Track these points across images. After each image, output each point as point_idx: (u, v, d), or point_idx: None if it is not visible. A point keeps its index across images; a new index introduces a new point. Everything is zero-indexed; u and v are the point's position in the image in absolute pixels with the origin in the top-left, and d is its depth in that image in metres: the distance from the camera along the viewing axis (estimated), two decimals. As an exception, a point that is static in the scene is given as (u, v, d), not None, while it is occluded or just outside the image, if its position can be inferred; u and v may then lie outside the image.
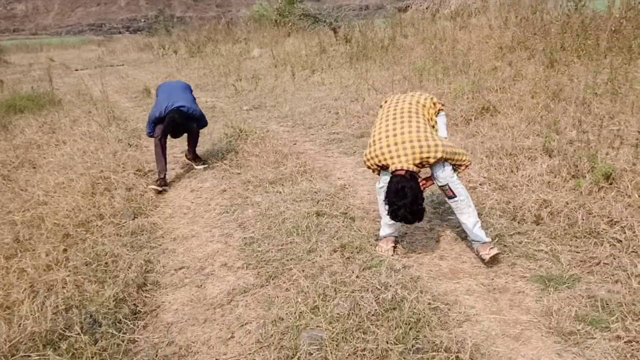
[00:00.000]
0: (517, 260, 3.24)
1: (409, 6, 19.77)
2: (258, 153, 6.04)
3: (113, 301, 3.20)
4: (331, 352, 2.47)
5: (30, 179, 5.57)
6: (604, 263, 3.04)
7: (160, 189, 5.30)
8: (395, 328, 2.63)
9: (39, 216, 4.57)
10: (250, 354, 2.67)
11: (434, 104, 3.46)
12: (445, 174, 3.14)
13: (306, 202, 4.48)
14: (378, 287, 3.02)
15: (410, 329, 2.63)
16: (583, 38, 8.08)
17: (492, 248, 3.21)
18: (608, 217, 3.42)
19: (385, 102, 3.59)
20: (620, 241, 3.18)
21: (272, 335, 2.76)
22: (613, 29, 8.24)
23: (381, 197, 3.31)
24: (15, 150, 6.65)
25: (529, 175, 4.21)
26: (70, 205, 4.71)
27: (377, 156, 3.18)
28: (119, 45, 29.97)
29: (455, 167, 3.21)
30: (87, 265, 3.69)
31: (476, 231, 3.24)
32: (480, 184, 4.34)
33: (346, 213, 4.18)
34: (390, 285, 3.03)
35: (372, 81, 8.98)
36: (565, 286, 2.90)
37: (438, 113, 3.47)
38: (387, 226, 3.52)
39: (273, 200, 4.60)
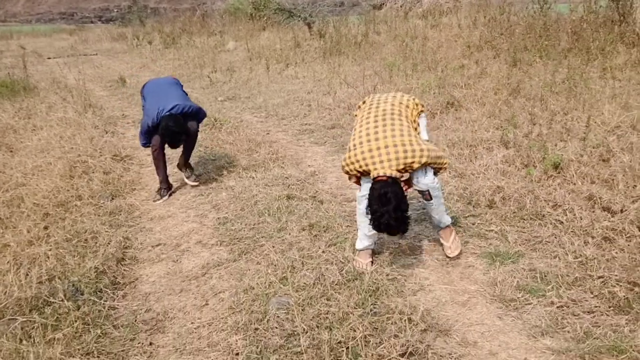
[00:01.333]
0: (469, 239, 3.55)
1: (383, 4, 20.14)
2: (232, 141, 6.25)
3: (94, 272, 3.41)
4: (297, 315, 2.73)
5: (8, 162, 5.68)
6: (546, 241, 3.36)
7: (162, 200, 4.89)
8: (356, 295, 2.91)
9: (19, 196, 4.72)
10: (223, 318, 2.92)
11: (417, 105, 3.29)
12: (427, 180, 3.04)
13: (277, 186, 4.73)
14: (342, 260, 3.30)
15: (369, 296, 2.91)
16: (545, 39, 8.48)
17: (454, 240, 3.31)
18: (553, 202, 3.75)
19: (364, 102, 3.40)
20: (562, 222, 3.51)
21: (243, 302, 3.01)
22: (573, 31, 8.68)
23: (362, 205, 3.10)
24: (-9, 134, 6.73)
25: (485, 165, 4.53)
26: (49, 187, 4.86)
27: (357, 161, 2.98)
28: (92, 35, 29.59)
29: (436, 171, 3.12)
30: (67, 241, 3.87)
31: (439, 218, 3.26)
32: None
33: (315, 196, 4.44)
34: (353, 259, 3.30)
35: (344, 75, 9.25)
36: (510, 261, 3.22)
37: (420, 114, 3.31)
38: (365, 238, 3.28)
39: (246, 185, 4.83)
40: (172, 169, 5.29)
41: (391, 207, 2.79)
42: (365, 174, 3.04)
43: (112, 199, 4.84)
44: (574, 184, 3.93)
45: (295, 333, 2.64)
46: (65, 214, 4.42)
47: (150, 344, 2.79)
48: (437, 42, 10.73)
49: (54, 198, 4.68)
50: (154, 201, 4.85)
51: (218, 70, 12.09)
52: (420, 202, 3.64)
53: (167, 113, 4.65)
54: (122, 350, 2.72)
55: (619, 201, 3.55)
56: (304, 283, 3.07)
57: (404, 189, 3.00)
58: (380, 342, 2.50)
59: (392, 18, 14.75)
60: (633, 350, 2.34)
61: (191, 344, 2.73)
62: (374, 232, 3.09)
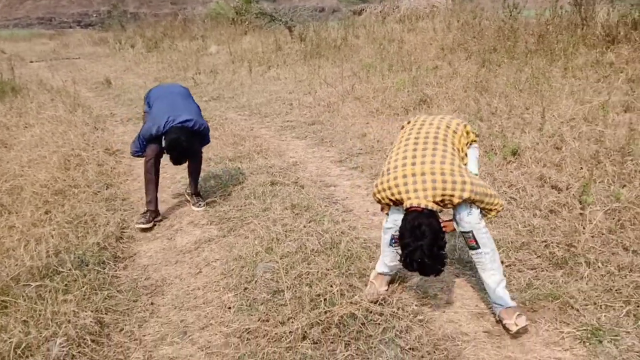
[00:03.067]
0: (434, 214, 3.98)
1: (363, 9, 20.65)
2: (218, 136, 6.62)
3: (96, 248, 3.76)
4: (282, 276, 3.13)
5: (4, 156, 5.98)
6: (500, 215, 3.80)
7: (148, 225, 4.27)
8: (333, 259, 3.31)
9: (18, 186, 5.03)
10: (215, 281, 3.30)
11: (467, 132, 2.89)
12: (471, 219, 2.58)
13: (262, 174, 5.12)
14: (321, 232, 3.71)
15: (345, 260, 3.31)
16: (512, 41, 9.01)
17: (519, 316, 2.62)
18: (509, 183, 4.20)
19: (408, 122, 3.01)
20: (515, 199, 3.96)
21: (233, 269, 3.40)
22: (539, 34, 9.22)
23: (387, 236, 2.86)
24: (-15, 132, 7.02)
25: (451, 152, 4.97)
26: (47, 177, 5.18)
27: (389, 188, 2.61)
28: (73, 39, 29.66)
29: (484, 212, 2.65)
30: (68, 222, 4.21)
31: (499, 292, 2.68)
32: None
33: (296, 182, 4.84)
34: (332, 232, 3.71)
35: (324, 76, 9.67)
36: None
37: (470, 144, 2.92)
38: (383, 265, 3.01)
39: (233, 173, 5.22)
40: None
41: (426, 242, 2.39)
42: (398, 203, 2.65)
43: (107, 188, 5.18)
44: (528, 167, 4.39)
45: (280, 290, 3.04)
46: (64, 200, 4.75)
47: (152, 303, 3.16)
48: (413, 45, 11.22)
49: (52, 187, 5.00)
50: (137, 224, 4.25)
51: (202, 72, 12.44)
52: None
53: (179, 124, 4.15)
54: (127, 309, 3.09)
55: (565, 180, 4.02)
56: (287, 251, 3.47)
57: (443, 227, 2.56)
58: (353, 295, 2.91)
59: (371, 22, 15.26)
60: (565, 296, 2.78)
61: (188, 302, 3.11)
62: (396, 263, 2.80)
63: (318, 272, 3.16)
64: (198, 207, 4.55)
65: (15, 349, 2.56)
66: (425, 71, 8.62)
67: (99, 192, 4.98)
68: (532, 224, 3.58)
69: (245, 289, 3.13)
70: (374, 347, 2.52)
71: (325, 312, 2.74)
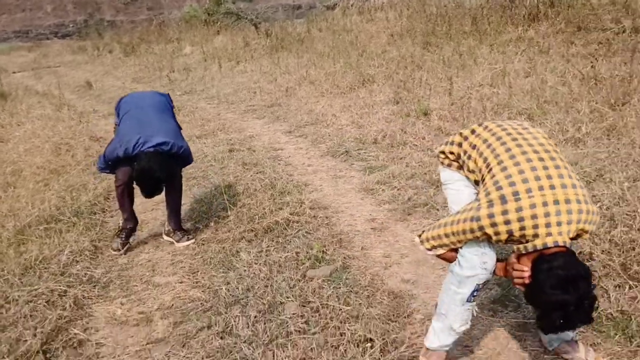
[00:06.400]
0: (354, 162, 5.05)
1: (336, 4, 21.69)
2: (188, 121, 7.65)
3: (88, 204, 4.78)
4: (229, 207, 4.17)
5: (3, 149, 6.97)
6: (403, 157, 4.88)
7: (121, 250, 3.79)
8: (270, 193, 4.36)
9: (18, 169, 6.03)
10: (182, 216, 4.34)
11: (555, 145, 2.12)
12: None
13: (222, 145, 6.16)
14: (262, 179, 4.76)
15: (280, 194, 4.37)
16: (449, 25, 10.11)
17: (588, 351, 2.26)
18: (415, 135, 5.28)
19: (485, 127, 2.17)
20: (416, 145, 5.04)
21: (194, 208, 4.44)
22: (474, 17, 10.33)
23: (466, 290, 2.10)
24: (-17, 130, 7.99)
25: (377, 116, 6.04)
26: (42, 161, 6.18)
27: (519, 220, 1.85)
28: (52, 50, 30.38)
29: None
30: (64, 190, 5.21)
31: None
32: (345, 126, 6.15)
33: (250, 148, 5.89)
34: (272, 177, 4.76)
35: (286, 66, 10.71)
36: (378, 171, 4.71)
37: None
38: (447, 333, 2.22)
39: (199, 147, 6.24)
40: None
41: (589, 292, 1.81)
42: (513, 241, 1.93)
43: (94, 165, 6.17)
44: (432, 122, 5.47)
45: (227, 215, 4.09)
46: (59, 177, 5.75)
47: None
48: (369, 33, 12.29)
49: (47, 167, 5.99)
50: (113, 250, 3.79)
51: (176, 70, 13.43)
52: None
53: (152, 149, 3.43)
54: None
55: (457, 128, 5.10)
56: (236, 192, 4.52)
57: (500, 273, 2.09)
58: (280, 211, 3.97)
59: (334, 16, 16.32)
60: (435, 204, 3.86)
61: (159, 229, 4.15)
62: (467, 327, 2.21)
63: (256, 202, 4.22)
64: (186, 241, 3.82)
65: (35, 261, 3.58)
66: (373, 55, 9.69)
67: (87, 168, 5.98)
68: (425, 161, 4.66)
69: (203, 217, 4.18)
70: (288, 240, 3.59)
71: (257, 223, 3.80)
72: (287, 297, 2.93)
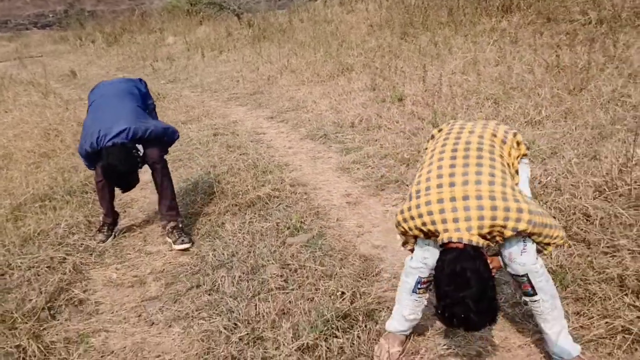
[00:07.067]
0: (332, 144, 5.37)
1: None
2: (173, 108, 7.90)
3: (80, 184, 5.04)
4: (215, 184, 4.46)
5: (-9, 134, 7.17)
6: (378, 139, 5.20)
7: (106, 242, 3.78)
8: (252, 172, 4.66)
9: (9, 153, 6.25)
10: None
11: (518, 143, 2.28)
12: (525, 259, 2.03)
13: (207, 130, 6.44)
14: (245, 160, 5.06)
15: (262, 172, 4.67)
16: (425, 16, 10.45)
17: None
18: (389, 119, 5.61)
19: (439, 130, 2.39)
20: (390, 128, 5.37)
21: (182, 187, 4.72)
22: (450, 8, 10.67)
23: (410, 279, 2.27)
24: (-29, 117, 8.16)
25: (355, 102, 6.36)
26: (32, 145, 6.41)
27: (419, 216, 2.01)
28: (33, 40, 30.22)
29: (540, 247, 2.08)
30: (56, 171, 5.46)
31: (562, 343, 2.16)
32: (325, 111, 6.46)
33: (233, 132, 6.18)
34: (254, 158, 5.06)
35: (268, 55, 10.97)
36: (354, 152, 5.03)
37: (520, 159, 2.31)
38: (400, 320, 2.39)
39: (184, 131, 6.51)
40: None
41: (471, 293, 1.84)
42: (430, 235, 2.06)
43: (83, 149, 6.42)
44: (406, 107, 5.80)
45: (213, 192, 4.38)
46: (49, 160, 5.99)
47: (124, 211, 4.47)
48: (349, 24, 12.58)
49: (38, 151, 6.22)
50: (97, 243, 3.75)
51: (159, 60, 13.61)
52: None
53: (110, 142, 3.33)
54: (107, 214, 4.39)
55: (428, 113, 5.44)
56: (221, 171, 4.82)
57: (494, 268, 2.07)
58: (261, 187, 4.28)
59: (315, 6, 16.58)
60: (405, 181, 4.19)
61: (149, 208, 4.43)
62: (416, 316, 2.36)
63: (240, 180, 4.52)
64: (181, 243, 3.58)
65: (33, 234, 3.85)
66: (352, 45, 9.99)
67: (76, 152, 6.19)
68: (397, 142, 4.99)
69: (190, 194, 4.47)
70: (270, 212, 3.90)
71: (241, 198, 4.10)
72: (268, 261, 3.25)
